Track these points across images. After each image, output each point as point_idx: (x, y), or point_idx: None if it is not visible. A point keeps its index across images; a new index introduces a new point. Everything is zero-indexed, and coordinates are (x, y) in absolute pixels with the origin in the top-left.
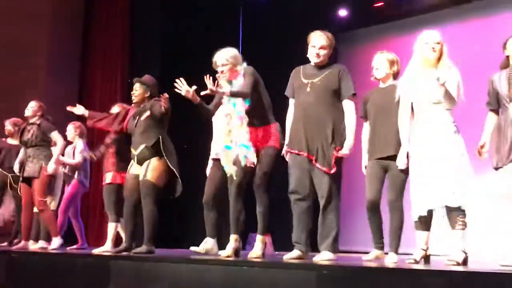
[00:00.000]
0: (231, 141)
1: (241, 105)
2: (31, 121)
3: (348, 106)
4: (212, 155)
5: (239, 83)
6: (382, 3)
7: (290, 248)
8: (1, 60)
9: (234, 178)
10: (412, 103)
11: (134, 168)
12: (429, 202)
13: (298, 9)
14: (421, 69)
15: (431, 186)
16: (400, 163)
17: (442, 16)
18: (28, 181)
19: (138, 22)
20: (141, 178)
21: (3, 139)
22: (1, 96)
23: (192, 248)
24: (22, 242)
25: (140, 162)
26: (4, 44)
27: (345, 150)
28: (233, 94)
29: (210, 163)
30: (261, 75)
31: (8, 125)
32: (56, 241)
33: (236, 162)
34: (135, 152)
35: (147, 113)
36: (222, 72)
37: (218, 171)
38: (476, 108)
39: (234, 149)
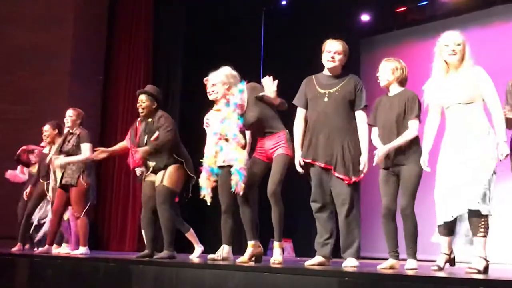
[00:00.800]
0: (216, 162)
1: (235, 127)
2: (71, 130)
3: (361, 117)
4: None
5: (237, 100)
6: (404, 8)
7: (311, 254)
8: (26, 64)
9: (208, 200)
10: (442, 107)
11: (150, 176)
12: (454, 207)
13: (320, 15)
14: (444, 72)
15: (457, 190)
16: (422, 162)
17: (464, 20)
18: (65, 187)
19: (161, 26)
20: (157, 184)
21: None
22: (27, 100)
23: (210, 256)
24: (46, 246)
25: (155, 172)
26: (29, 49)
27: (362, 165)
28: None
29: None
30: (282, 79)
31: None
32: (83, 250)
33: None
34: (150, 163)
35: (156, 134)
36: (213, 91)
37: (227, 177)
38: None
39: (224, 172)
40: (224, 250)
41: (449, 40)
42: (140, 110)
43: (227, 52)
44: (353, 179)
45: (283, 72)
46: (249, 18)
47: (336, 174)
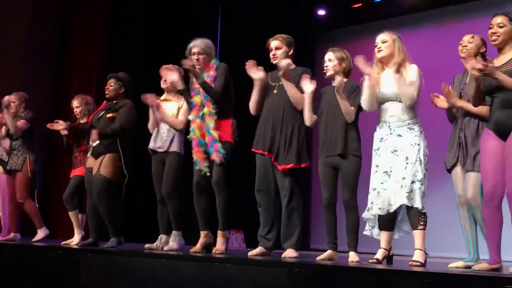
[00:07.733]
0: (203, 135)
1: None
2: (17, 114)
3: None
4: (150, 145)
5: (211, 76)
6: (360, 4)
7: None
8: None
9: (207, 174)
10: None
11: (90, 161)
12: (384, 203)
13: (277, 8)
14: (377, 69)
15: (388, 186)
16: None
17: (419, 18)
18: (11, 173)
19: (116, 16)
20: (94, 172)
21: None
22: None
23: (147, 245)
24: (12, 234)
25: (95, 155)
26: None
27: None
28: (204, 87)
29: None
30: (238, 72)
31: None
32: (42, 233)
33: (208, 158)
34: (92, 143)
35: (113, 113)
36: (197, 60)
37: (159, 165)
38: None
39: (208, 145)
40: (162, 240)
41: (377, 40)
42: (106, 92)
43: (183, 43)
44: (299, 165)
45: (239, 65)
46: (206, 10)
47: (278, 166)
